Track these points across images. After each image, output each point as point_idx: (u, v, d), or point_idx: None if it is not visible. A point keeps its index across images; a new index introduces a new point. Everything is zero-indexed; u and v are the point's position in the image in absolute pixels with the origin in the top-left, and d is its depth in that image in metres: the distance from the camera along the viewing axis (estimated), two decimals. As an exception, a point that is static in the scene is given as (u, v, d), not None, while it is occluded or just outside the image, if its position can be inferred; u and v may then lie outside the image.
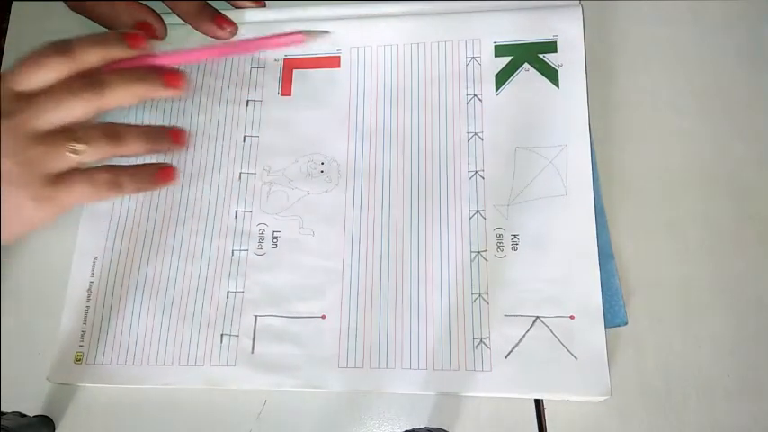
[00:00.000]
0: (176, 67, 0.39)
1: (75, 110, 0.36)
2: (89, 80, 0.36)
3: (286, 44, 0.42)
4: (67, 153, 0.36)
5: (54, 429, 0.38)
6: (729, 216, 0.39)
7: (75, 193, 0.36)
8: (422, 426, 0.36)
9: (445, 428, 0.34)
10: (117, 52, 0.38)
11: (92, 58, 0.37)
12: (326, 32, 0.42)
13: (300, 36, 0.41)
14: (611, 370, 0.35)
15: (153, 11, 0.44)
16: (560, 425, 0.36)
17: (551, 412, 0.36)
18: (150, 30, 0.43)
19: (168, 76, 0.38)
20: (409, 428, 0.33)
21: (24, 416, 0.37)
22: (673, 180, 0.40)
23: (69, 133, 0.36)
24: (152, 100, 0.42)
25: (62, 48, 0.36)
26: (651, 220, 0.39)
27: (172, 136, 0.39)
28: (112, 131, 0.37)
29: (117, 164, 0.37)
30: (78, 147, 0.36)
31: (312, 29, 0.42)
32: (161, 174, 0.38)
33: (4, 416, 0.36)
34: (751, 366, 0.36)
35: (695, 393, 0.36)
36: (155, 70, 0.38)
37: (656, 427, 0.36)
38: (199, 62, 0.43)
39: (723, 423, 0.35)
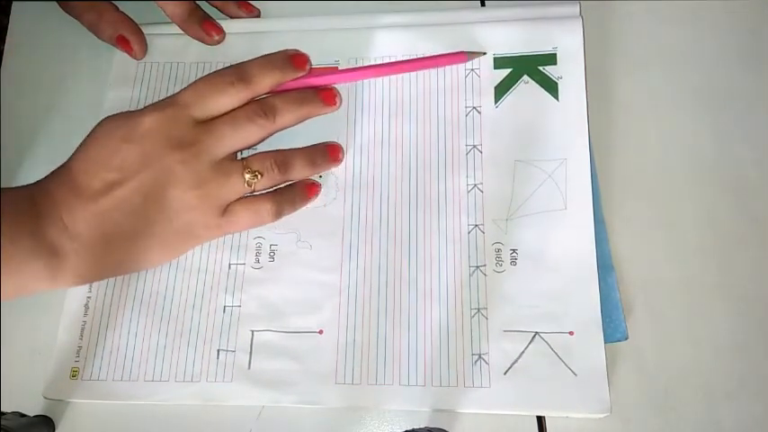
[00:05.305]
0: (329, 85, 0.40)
1: (251, 137, 0.38)
2: (264, 106, 0.38)
3: (447, 63, 0.41)
4: (244, 184, 0.37)
5: (54, 429, 0.38)
6: (730, 217, 0.39)
7: (241, 222, 0.38)
8: (422, 426, 0.36)
9: (445, 429, 0.34)
10: (289, 76, 0.39)
11: (267, 83, 0.38)
12: (484, 53, 0.41)
13: (463, 56, 0.41)
14: (613, 380, 0.35)
15: (137, 26, 0.44)
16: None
17: (553, 422, 0.36)
18: (128, 46, 0.43)
19: (324, 95, 0.39)
20: (409, 428, 0.33)
21: (24, 416, 0.37)
22: (673, 181, 0.39)
23: (244, 163, 0.37)
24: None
25: (240, 74, 0.37)
26: (651, 220, 0.39)
27: (330, 153, 0.40)
28: (282, 160, 0.38)
29: (274, 189, 0.39)
30: (253, 179, 0.37)
31: (472, 50, 0.41)
32: (309, 190, 0.40)
33: (4, 416, 0.36)
34: (752, 367, 0.36)
35: (697, 399, 0.36)
36: (313, 90, 0.39)
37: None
38: (352, 81, 0.42)
39: (725, 428, 0.35)
